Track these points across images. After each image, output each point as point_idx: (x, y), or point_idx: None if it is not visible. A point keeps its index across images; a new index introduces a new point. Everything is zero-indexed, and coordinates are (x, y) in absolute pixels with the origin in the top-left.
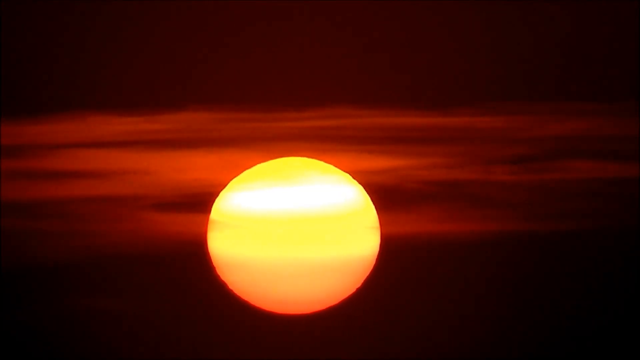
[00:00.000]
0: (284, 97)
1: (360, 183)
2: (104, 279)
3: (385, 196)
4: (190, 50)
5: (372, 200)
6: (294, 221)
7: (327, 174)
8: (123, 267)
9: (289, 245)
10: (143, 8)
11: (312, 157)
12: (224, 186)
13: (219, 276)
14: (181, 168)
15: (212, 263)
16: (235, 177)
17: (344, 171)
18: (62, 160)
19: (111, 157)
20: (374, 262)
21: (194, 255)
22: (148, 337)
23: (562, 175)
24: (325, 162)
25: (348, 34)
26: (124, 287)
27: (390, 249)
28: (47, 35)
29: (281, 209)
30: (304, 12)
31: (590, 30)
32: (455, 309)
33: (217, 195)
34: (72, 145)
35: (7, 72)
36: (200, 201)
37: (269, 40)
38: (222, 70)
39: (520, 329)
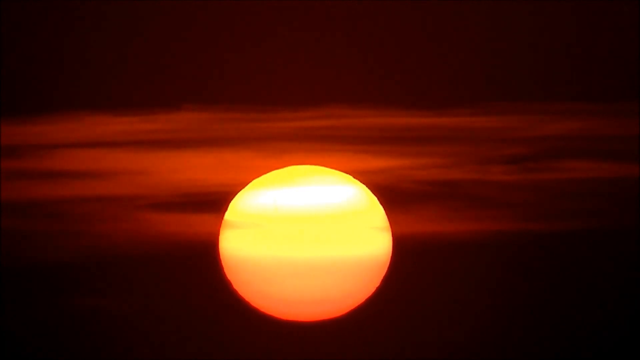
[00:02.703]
0: (279, 97)
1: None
2: (102, 279)
3: (382, 196)
4: (186, 50)
5: (380, 201)
6: (304, 221)
7: (335, 177)
8: (120, 267)
9: (302, 245)
10: (139, 8)
11: (308, 157)
12: (221, 186)
13: (226, 277)
14: (178, 168)
15: (220, 263)
16: (232, 177)
17: (341, 171)
18: (58, 160)
19: (107, 157)
20: (388, 261)
21: (193, 255)
22: (147, 338)
23: (561, 175)
24: (322, 162)
25: (344, 34)
26: (122, 288)
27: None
28: (43, 36)
29: (293, 209)
30: (301, 11)
31: (590, 30)
32: (453, 309)
33: (214, 195)
34: (68, 146)
35: (3, 72)
36: (197, 201)
37: (264, 40)
38: (218, 70)
39: (518, 329)
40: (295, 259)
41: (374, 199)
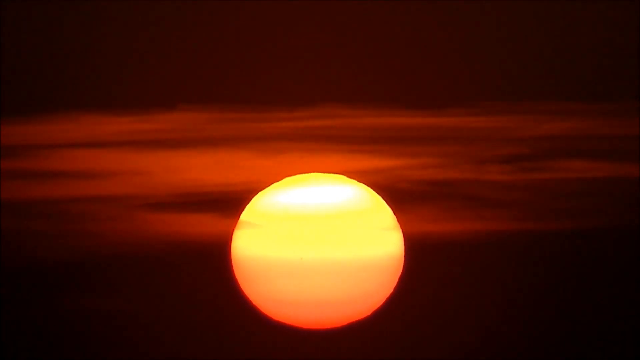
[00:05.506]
0: (275, 97)
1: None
2: (100, 278)
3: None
4: (182, 51)
5: (387, 202)
6: (315, 222)
7: (338, 179)
8: (118, 267)
9: (316, 247)
10: (136, 9)
11: (305, 158)
12: (218, 186)
13: (235, 278)
14: (174, 168)
15: (227, 263)
16: (230, 177)
17: (338, 172)
18: (56, 160)
19: (104, 157)
20: (402, 261)
21: (191, 255)
22: (147, 338)
23: (559, 174)
24: (318, 162)
25: (341, 34)
26: (120, 287)
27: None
28: (40, 36)
29: (303, 210)
30: (297, 12)
31: (590, 30)
32: (450, 308)
33: (211, 194)
34: (65, 146)
35: (3, 72)
36: (195, 201)
37: (261, 41)
38: (215, 71)
39: (516, 329)
40: (309, 261)
41: (379, 199)
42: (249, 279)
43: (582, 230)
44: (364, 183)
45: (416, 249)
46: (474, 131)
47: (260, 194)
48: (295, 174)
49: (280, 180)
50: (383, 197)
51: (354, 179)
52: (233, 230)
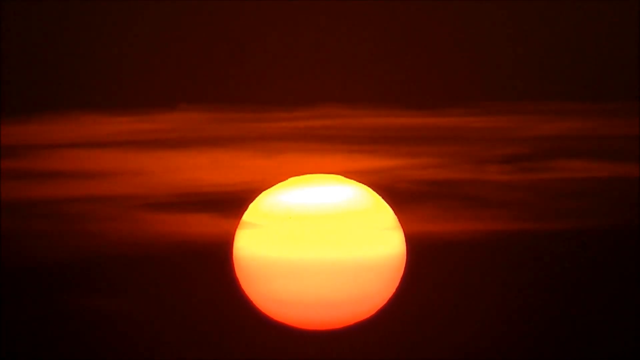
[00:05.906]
0: (275, 97)
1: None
2: (100, 279)
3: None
4: (182, 51)
5: (389, 202)
6: (318, 222)
7: (338, 180)
8: (118, 267)
9: (318, 247)
10: (136, 8)
11: (304, 157)
12: (217, 186)
13: (236, 278)
14: (174, 168)
15: (230, 264)
16: (226, 177)
17: (336, 172)
18: (55, 160)
19: (104, 157)
20: (404, 261)
21: (190, 256)
22: (147, 338)
23: (559, 174)
24: (318, 162)
25: (341, 34)
26: (121, 287)
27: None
28: (40, 36)
29: (302, 209)
30: (296, 12)
31: (590, 30)
32: (452, 308)
33: (210, 194)
34: (67, 146)
35: (3, 72)
36: (194, 201)
37: (261, 41)
38: (215, 71)
39: (516, 329)
40: (310, 261)
41: (380, 200)
42: (250, 279)
43: (582, 230)
44: (364, 183)
45: (417, 249)
46: (474, 131)
47: (263, 194)
48: (294, 174)
49: (281, 180)
50: (383, 197)
51: (354, 179)
52: (234, 230)
